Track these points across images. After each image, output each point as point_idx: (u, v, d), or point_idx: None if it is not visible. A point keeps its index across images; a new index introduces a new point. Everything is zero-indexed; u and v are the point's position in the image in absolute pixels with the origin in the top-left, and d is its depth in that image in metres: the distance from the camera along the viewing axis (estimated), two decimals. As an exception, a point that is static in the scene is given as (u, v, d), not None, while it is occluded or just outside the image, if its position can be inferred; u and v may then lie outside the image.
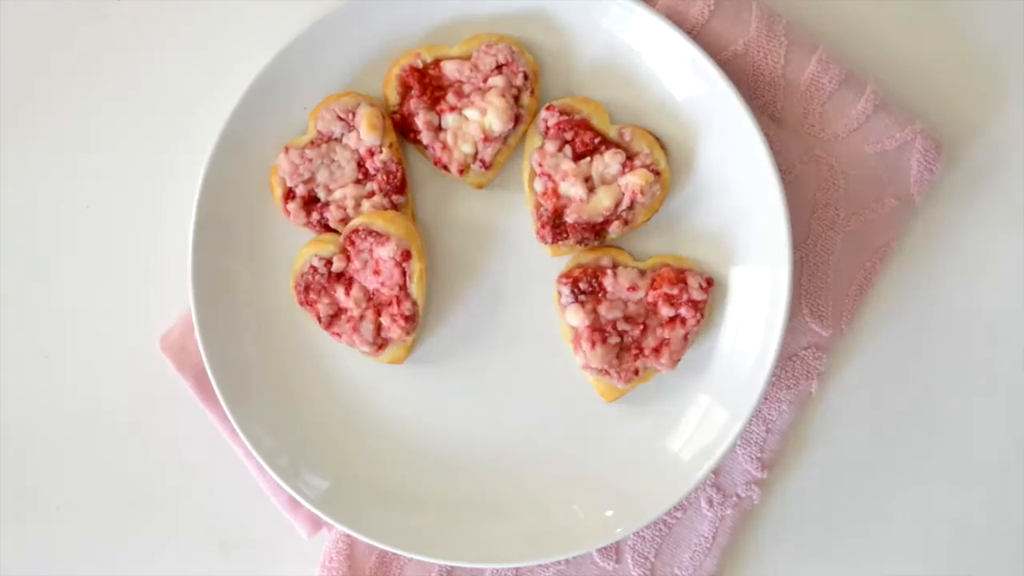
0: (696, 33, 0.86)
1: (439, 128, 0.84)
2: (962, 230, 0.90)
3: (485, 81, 0.83)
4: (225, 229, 0.84)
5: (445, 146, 0.84)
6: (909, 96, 0.89)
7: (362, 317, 0.84)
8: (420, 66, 0.84)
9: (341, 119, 0.83)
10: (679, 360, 0.85)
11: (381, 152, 0.84)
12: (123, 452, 0.91)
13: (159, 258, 0.90)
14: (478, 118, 0.83)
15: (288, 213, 0.84)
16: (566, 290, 0.85)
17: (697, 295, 0.84)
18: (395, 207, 0.84)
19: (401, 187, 0.84)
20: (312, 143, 0.84)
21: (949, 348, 0.90)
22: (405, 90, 0.84)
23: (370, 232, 0.82)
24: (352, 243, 0.83)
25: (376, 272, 0.84)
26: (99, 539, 0.92)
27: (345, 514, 0.85)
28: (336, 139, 0.84)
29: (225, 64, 0.89)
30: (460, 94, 0.84)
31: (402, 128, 0.85)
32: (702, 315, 0.84)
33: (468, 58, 0.84)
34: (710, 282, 0.84)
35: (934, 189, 0.89)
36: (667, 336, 0.84)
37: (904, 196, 0.88)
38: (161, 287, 0.90)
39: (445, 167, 0.84)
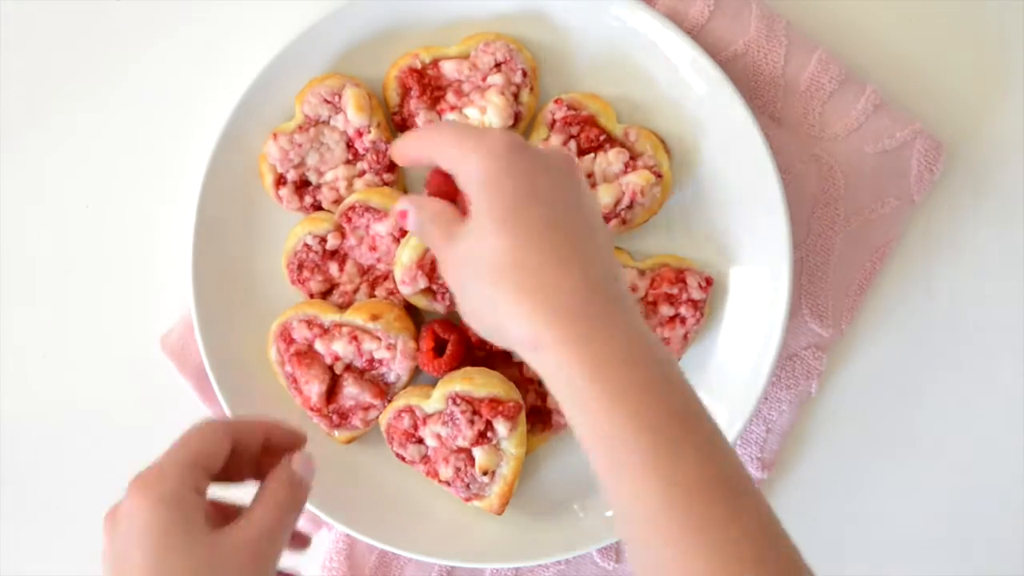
0: (696, 33, 0.86)
1: (439, 128, 0.85)
2: (962, 230, 0.90)
3: (484, 80, 0.83)
4: (225, 228, 0.85)
5: (446, 145, 0.84)
6: (909, 96, 0.89)
7: (356, 291, 0.85)
8: (419, 67, 0.84)
9: (327, 102, 0.84)
10: (679, 359, 0.85)
11: (370, 132, 0.84)
12: (123, 452, 0.91)
13: (159, 258, 0.90)
14: (478, 116, 0.83)
15: (280, 199, 0.84)
16: (566, 290, 0.85)
17: (696, 295, 0.84)
18: (386, 185, 0.85)
19: (391, 165, 0.84)
20: (300, 128, 0.84)
21: (949, 348, 0.90)
22: (404, 91, 0.84)
23: (367, 208, 0.83)
24: (348, 220, 0.83)
25: (372, 248, 0.84)
26: (99, 539, 0.91)
27: (345, 514, 0.85)
28: (323, 122, 0.84)
29: (225, 64, 0.89)
30: (460, 93, 0.84)
31: (403, 129, 0.85)
32: (702, 315, 0.84)
33: (466, 57, 0.84)
34: (709, 281, 0.84)
35: (934, 189, 0.89)
36: (667, 336, 0.84)
37: (904, 196, 0.88)
38: (161, 287, 0.90)
39: (445, 167, 0.84)
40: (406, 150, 0.71)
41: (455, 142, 0.65)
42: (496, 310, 0.62)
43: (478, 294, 0.64)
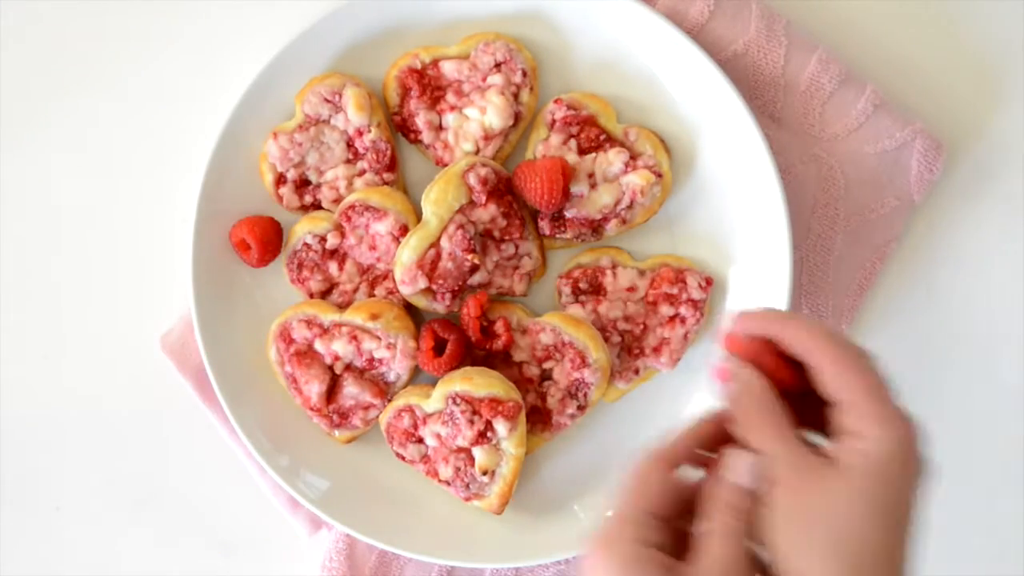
0: (696, 33, 0.86)
1: (440, 128, 0.85)
2: (962, 230, 0.90)
3: (484, 80, 0.83)
4: (225, 228, 0.84)
5: (447, 145, 0.84)
6: (909, 96, 0.89)
7: (355, 290, 0.85)
8: (418, 67, 0.84)
9: (328, 101, 0.84)
10: (679, 359, 0.85)
11: (370, 131, 0.84)
12: (123, 452, 0.91)
13: (159, 258, 0.90)
14: (478, 116, 0.83)
15: (280, 198, 0.85)
16: (566, 290, 0.85)
17: (697, 294, 0.84)
18: (386, 184, 0.85)
19: (391, 165, 0.85)
20: (300, 127, 0.84)
21: (949, 348, 0.90)
22: (404, 91, 0.84)
23: (367, 207, 0.83)
24: (348, 219, 0.83)
25: (372, 247, 0.84)
26: (99, 539, 0.92)
27: (345, 514, 0.85)
28: (324, 121, 0.84)
29: (224, 64, 0.89)
30: (460, 93, 0.84)
31: (403, 129, 0.85)
32: (702, 314, 0.84)
33: (466, 57, 0.84)
34: (709, 281, 0.84)
35: (934, 189, 0.89)
36: (667, 336, 0.84)
37: (904, 196, 0.88)
38: (161, 287, 0.90)
39: (447, 167, 0.84)
40: (750, 324, 0.65)
41: (846, 367, 0.60)
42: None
43: (797, 547, 0.59)
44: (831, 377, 0.61)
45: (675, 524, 0.63)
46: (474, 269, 0.82)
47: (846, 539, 0.58)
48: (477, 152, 0.84)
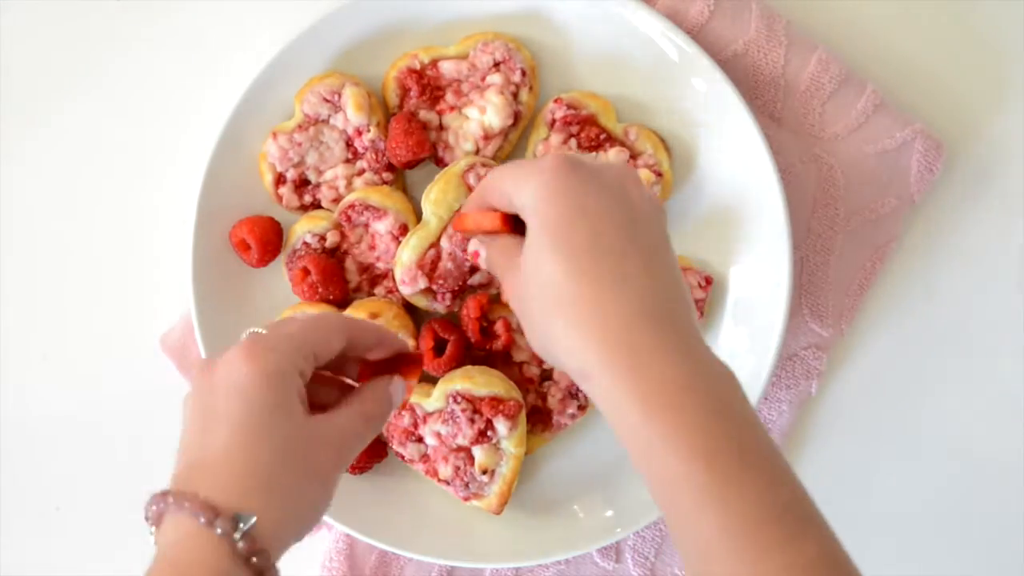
0: (696, 33, 0.86)
1: (440, 128, 0.85)
2: (962, 230, 0.90)
3: (483, 79, 0.83)
4: (225, 228, 0.84)
5: (447, 145, 0.84)
6: (909, 96, 0.89)
7: (355, 289, 0.85)
8: (417, 67, 0.84)
9: (327, 100, 0.84)
10: (679, 359, 0.85)
11: (369, 131, 0.84)
12: (123, 452, 0.91)
13: (159, 258, 0.90)
14: (478, 116, 0.83)
15: (280, 198, 0.85)
16: (566, 290, 0.85)
17: (696, 294, 0.84)
18: (386, 184, 0.85)
19: (391, 164, 0.85)
20: (300, 127, 0.84)
21: (949, 348, 0.90)
22: (404, 91, 0.84)
23: (367, 207, 0.83)
24: (348, 218, 0.83)
25: (372, 247, 0.84)
26: (99, 539, 0.92)
27: (345, 514, 0.85)
28: (323, 121, 0.84)
29: (224, 64, 0.89)
30: (459, 93, 0.84)
31: (402, 129, 0.85)
32: (701, 314, 0.84)
33: (465, 57, 0.84)
34: (709, 281, 0.84)
35: (934, 189, 0.89)
36: (667, 335, 0.84)
37: (904, 196, 0.88)
38: (161, 287, 0.90)
39: (447, 167, 0.84)
40: (469, 206, 0.71)
41: (512, 176, 0.66)
42: (550, 339, 0.62)
43: (537, 324, 0.64)
44: (516, 202, 0.65)
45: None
46: (474, 269, 0.82)
47: (539, 283, 0.62)
48: (477, 152, 0.84)
